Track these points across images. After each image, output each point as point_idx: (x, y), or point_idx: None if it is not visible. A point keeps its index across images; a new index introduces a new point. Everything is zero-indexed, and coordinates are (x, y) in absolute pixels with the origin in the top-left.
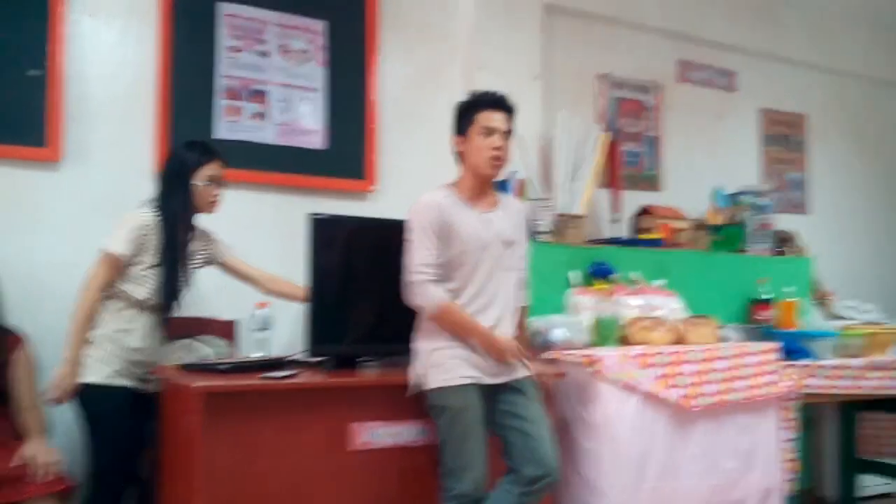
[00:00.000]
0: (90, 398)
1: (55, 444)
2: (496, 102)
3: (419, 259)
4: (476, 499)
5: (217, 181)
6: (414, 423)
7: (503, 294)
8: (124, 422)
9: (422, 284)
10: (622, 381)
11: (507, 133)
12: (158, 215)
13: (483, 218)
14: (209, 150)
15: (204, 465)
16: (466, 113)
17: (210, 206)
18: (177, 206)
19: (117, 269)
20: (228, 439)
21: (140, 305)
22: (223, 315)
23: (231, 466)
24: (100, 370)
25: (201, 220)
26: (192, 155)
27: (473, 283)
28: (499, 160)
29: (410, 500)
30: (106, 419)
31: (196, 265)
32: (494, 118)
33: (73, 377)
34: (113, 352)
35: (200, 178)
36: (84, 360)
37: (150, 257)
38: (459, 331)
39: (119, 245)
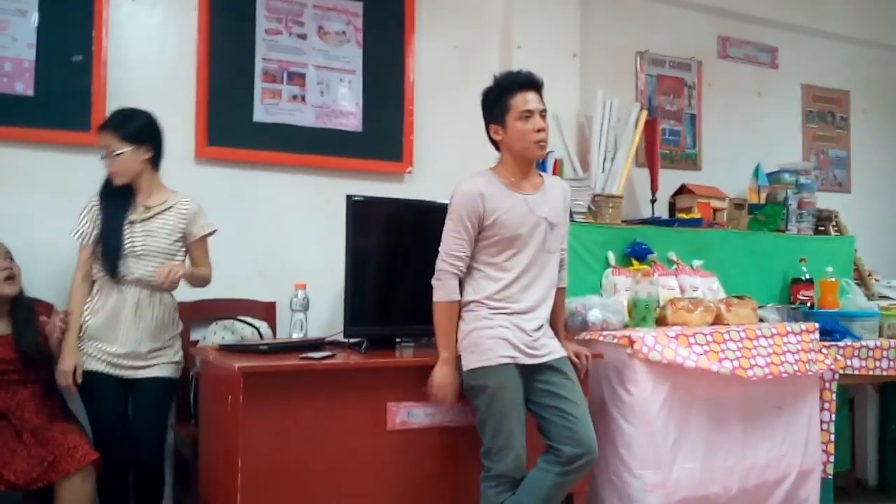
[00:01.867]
0: (80, 383)
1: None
2: (527, 83)
3: (449, 248)
4: (516, 478)
5: (104, 154)
6: None
7: (546, 276)
8: (97, 405)
9: (444, 273)
10: (666, 360)
11: (544, 112)
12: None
13: (528, 200)
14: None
15: (245, 444)
16: (498, 100)
17: (112, 178)
18: (105, 182)
19: (86, 254)
20: (268, 419)
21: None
22: (262, 297)
23: (271, 445)
24: (79, 354)
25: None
26: None
27: (518, 266)
28: (544, 141)
29: (449, 479)
30: (85, 402)
31: (153, 237)
32: (530, 100)
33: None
34: (86, 334)
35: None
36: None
37: None
38: (438, 333)
39: (78, 232)
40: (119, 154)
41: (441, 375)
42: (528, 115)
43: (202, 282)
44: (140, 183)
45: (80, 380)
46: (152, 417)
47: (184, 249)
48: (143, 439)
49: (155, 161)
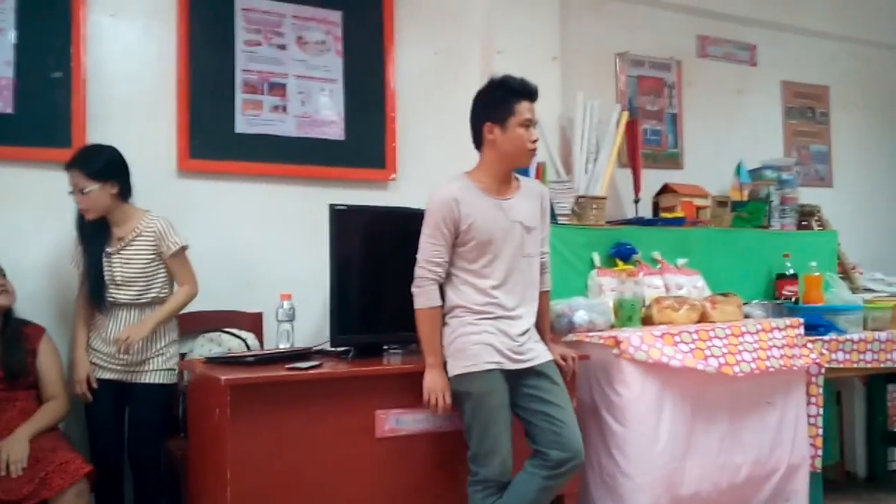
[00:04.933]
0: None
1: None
2: (533, 93)
3: (427, 255)
4: (502, 482)
5: (72, 191)
6: None
7: (527, 280)
8: (92, 408)
9: (422, 280)
10: (652, 360)
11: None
12: None
13: (503, 205)
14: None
15: (233, 457)
16: (504, 101)
17: (83, 214)
18: (78, 215)
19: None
20: (256, 430)
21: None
22: (248, 308)
23: (259, 457)
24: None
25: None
26: None
27: (497, 271)
28: (535, 152)
29: (437, 485)
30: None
31: (130, 266)
32: (531, 109)
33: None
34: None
35: None
36: None
37: None
38: (423, 339)
39: (74, 260)
40: (88, 192)
41: (432, 380)
42: (528, 123)
43: (179, 309)
44: (112, 216)
45: (94, 385)
46: (147, 420)
47: (163, 268)
48: (137, 440)
49: (123, 194)
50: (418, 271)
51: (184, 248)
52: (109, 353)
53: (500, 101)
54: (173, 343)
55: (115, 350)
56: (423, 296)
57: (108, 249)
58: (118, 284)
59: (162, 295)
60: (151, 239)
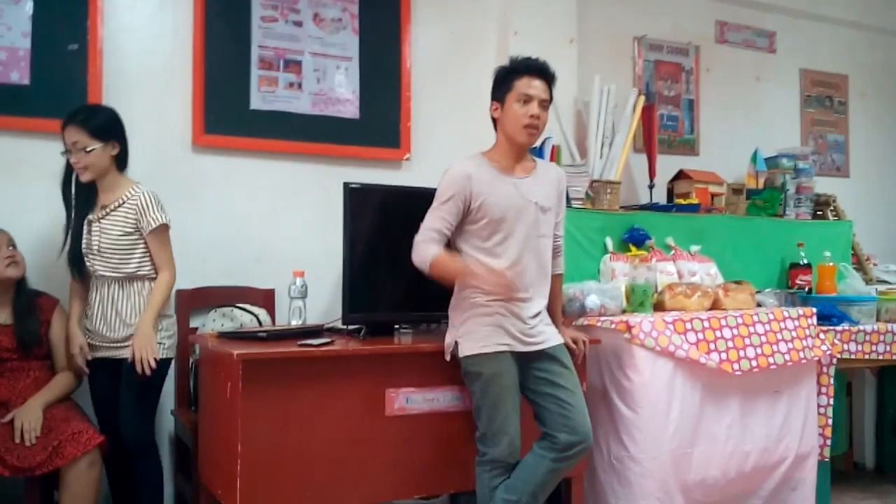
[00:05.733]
0: (90, 360)
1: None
2: (536, 69)
3: (429, 224)
4: (510, 463)
5: (69, 149)
6: (449, 389)
7: (540, 261)
8: (91, 389)
9: (419, 244)
10: (660, 347)
11: (546, 102)
12: None
13: (517, 184)
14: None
15: (244, 431)
16: (505, 79)
17: (79, 174)
18: (64, 177)
19: None
20: (267, 406)
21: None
22: (261, 284)
23: (270, 432)
24: (82, 336)
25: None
26: None
27: (509, 250)
28: (534, 129)
29: (446, 464)
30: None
31: (107, 235)
32: (533, 85)
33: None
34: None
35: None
36: None
37: None
38: (453, 276)
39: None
40: (91, 150)
41: (473, 270)
42: (527, 99)
43: (166, 300)
44: (103, 181)
45: (89, 357)
46: (133, 395)
47: (142, 243)
48: (123, 417)
49: (121, 157)
50: (416, 238)
51: (165, 227)
52: (98, 332)
53: (502, 79)
54: (165, 317)
55: (112, 339)
56: (420, 254)
57: (90, 217)
58: (95, 253)
59: (142, 271)
60: (132, 211)
